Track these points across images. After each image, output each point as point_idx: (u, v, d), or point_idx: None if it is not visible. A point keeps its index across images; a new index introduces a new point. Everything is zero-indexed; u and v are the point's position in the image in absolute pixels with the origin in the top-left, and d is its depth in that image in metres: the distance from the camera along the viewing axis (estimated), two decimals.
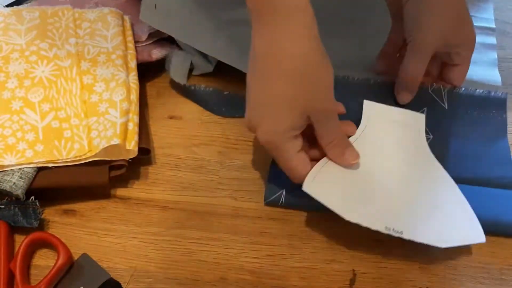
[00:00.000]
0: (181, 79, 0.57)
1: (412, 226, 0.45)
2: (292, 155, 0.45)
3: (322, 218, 0.49)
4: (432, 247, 0.45)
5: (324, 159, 0.48)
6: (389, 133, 0.52)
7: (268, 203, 0.50)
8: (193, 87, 0.57)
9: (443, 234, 0.46)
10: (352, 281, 0.46)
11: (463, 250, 0.47)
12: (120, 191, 0.50)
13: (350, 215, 0.45)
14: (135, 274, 0.45)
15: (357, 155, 0.47)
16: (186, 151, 0.53)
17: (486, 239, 0.48)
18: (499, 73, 0.59)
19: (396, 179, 0.48)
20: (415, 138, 0.52)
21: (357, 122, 0.52)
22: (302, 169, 0.46)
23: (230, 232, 0.48)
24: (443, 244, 0.45)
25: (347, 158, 0.47)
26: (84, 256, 0.45)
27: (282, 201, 0.49)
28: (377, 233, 0.48)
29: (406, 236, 0.45)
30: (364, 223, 0.45)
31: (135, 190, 0.50)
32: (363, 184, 0.48)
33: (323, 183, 0.46)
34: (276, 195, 0.49)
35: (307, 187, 0.45)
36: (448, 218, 0.47)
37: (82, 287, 0.43)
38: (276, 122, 0.44)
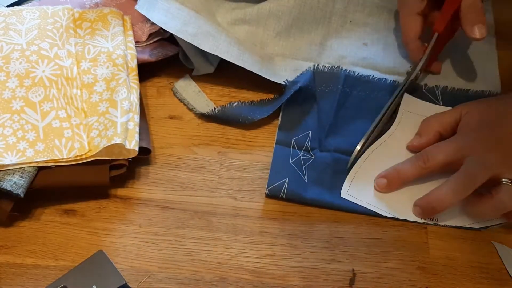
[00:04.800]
0: (204, 107, 0.56)
1: (446, 212, 0.48)
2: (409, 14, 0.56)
3: (322, 217, 0.49)
4: (430, 248, 0.46)
5: (358, 164, 0.51)
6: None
7: (270, 191, 0.49)
8: (218, 109, 0.55)
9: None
10: (352, 281, 0.46)
11: (463, 250, 0.47)
12: (120, 191, 0.50)
13: (387, 211, 0.49)
14: (135, 274, 0.45)
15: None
16: (186, 151, 0.53)
17: (487, 240, 0.48)
18: (499, 73, 0.60)
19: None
20: None
21: (359, 113, 0.55)
22: (411, 30, 0.56)
23: (230, 232, 0.48)
24: (477, 225, 0.48)
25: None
26: (100, 253, 0.44)
27: (284, 190, 0.49)
28: (377, 232, 0.48)
29: (441, 222, 0.49)
30: (401, 216, 0.49)
31: (135, 190, 0.50)
32: None
33: (359, 186, 0.50)
34: (279, 182, 0.50)
35: (345, 195, 0.50)
36: None
37: (95, 286, 0.42)
38: None
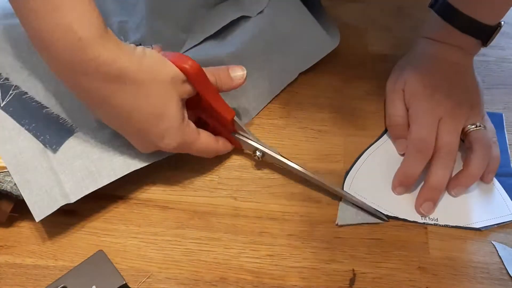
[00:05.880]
0: None
1: (446, 212, 0.49)
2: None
3: (322, 217, 0.49)
4: (430, 248, 0.46)
5: (360, 160, 0.52)
6: None
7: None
8: None
9: (477, 216, 0.49)
10: (352, 281, 0.46)
11: (463, 250, 0.47)
12: (120, 191, 0.50)
13: (387, 210, 0.49)
14: (135, 274, 0.45)
15: None
16: None
17: (487, 240, 0.48)
18: (499, 73, 0.60)
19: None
20: None
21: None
22: (211, 141, 0.48)
23: (230, 232, 0.48)
24: (477, 225, 0.48)
25: None
26: (100, 253, 0.44)
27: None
28: (377, 233, 0.48)
29: (441, 222, 0.49)
30: (401, 215, 0.49)
31: (135, 190, 0.50)
32: None
33: (360, 186, 0.50)
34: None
35: (347, 188, 0.50)
36: (481, 199, 0.50)
37: (95, 286, 0.42)
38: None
